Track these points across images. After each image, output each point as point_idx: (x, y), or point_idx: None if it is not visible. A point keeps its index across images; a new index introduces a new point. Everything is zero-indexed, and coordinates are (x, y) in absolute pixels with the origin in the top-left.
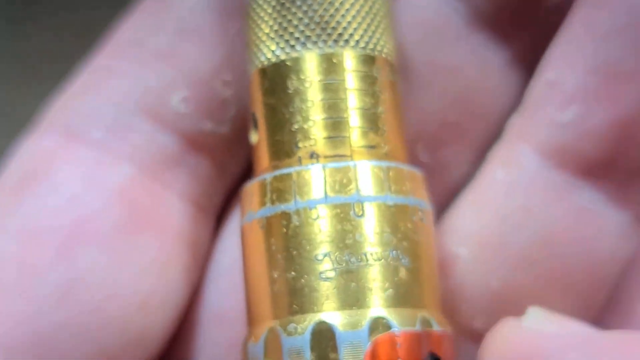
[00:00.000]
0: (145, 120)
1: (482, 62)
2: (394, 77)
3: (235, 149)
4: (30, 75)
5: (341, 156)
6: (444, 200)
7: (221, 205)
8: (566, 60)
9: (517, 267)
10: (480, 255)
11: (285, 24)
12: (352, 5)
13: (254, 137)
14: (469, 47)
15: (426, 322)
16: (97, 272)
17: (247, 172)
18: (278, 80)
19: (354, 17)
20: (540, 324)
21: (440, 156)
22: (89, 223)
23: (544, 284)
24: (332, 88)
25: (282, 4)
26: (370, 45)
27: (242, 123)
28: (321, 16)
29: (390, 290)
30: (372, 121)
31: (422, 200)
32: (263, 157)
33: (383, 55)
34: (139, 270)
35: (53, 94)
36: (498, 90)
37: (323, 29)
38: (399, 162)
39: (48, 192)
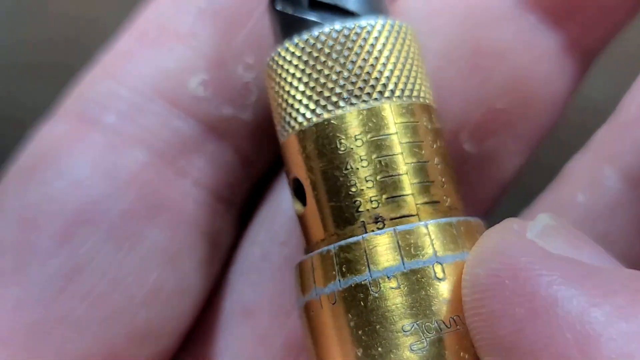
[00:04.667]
0: (162, 105)
1: (532, 47)
2: (440, 124)
3: (259, 138)
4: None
5: (407, 217)
6: (494, 194)
7: (247, 199)
8: None
9: None
10: None
11: (324, 81)
12: (391, 52)
13: (298, 207)
14: (517, 30)
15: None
16: (101, 261)
17: (275, 168)
18: (325, 141)
19: (394, 64)
20: (546, 240)
21: (487, 146)
22: (94, 209)
23: None
24: (385, 144)
25: (317, 59)
26: (415, 93)
27: (265, 110)
28: (361, 67)
29: None
30: (431, 174)
31: None
32: (316, 227)
33: (427, 102)
34: (146, 259)
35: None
36: (550, 77)
37: (365, 82)
38: (461, 212)
39: (53, 177)
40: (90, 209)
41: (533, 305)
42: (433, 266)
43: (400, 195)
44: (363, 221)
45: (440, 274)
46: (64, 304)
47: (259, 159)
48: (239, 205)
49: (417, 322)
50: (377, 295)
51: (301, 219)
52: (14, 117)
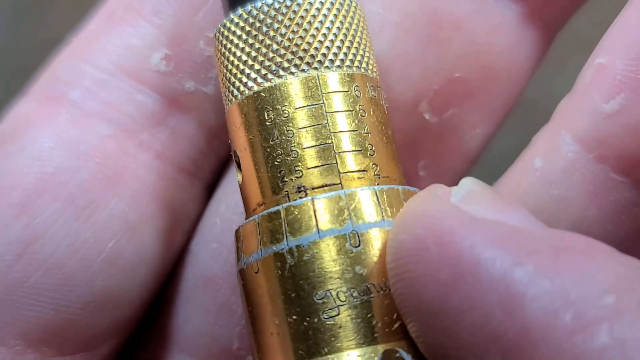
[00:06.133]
0: (125, 80)
1: (490, 17)
2: (377, 93)
3: (223, 111)
4: None
5: (330, 185)
6: (458, 165)
7: (213, 171)
8: (620, 44)
9: None
10: None
11: (265, 50)
12: (332, 23)
13: (239, 177)
14: (475, 0)
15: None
16: (58, 229)
17: None
18: (254, 114)
19: (335, 35)
20: (469, 204)
21: (448, 116)
22: (52, 180)
23: None
24: (311, 114)
25: (259, 28)
26: (347, 62)
27: None
28: (302, 37)
29: (400, 321)
30: (358, 143)
31: None
32: (249, 196)
33: (362, 72)
34: (104, 227)
35: None
36: (509, 48)
37: (294, 53)
38: (392, 181)
39: (16, 152)
40: (49, 180)
41: (457, 268)
42: (348, 234)
43: (323, 165)
44: (287, 191)
45: (355, 242)
46: (21, 271)
47: (224, 133)
48: (206, 178)
49: (330, 290)
50: (292, 263)
51: (240, 189)
52: None
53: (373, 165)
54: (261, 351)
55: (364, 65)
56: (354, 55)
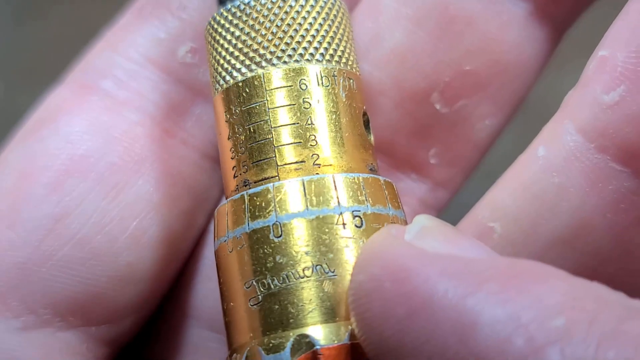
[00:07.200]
0: (153, 71)
1: (500, 13)
2: (331, 82)
3: None
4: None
5: (268, 179)
6: (468, 154)
7: None
8: (621, 36)
9: (548, 248)
10: (512, 232)
11: (224, 53)
12: (283, 20)
13: None
14: None
15: (355, 334)
16: (87, 207)
17: None
18: (220, 112)
19: (284, 31)
20: (423, 239)
21: (458, 107)
22: (84, 161)
23: (575, 268)
24: (255, 112)
25: (228, 28)
26: (296, 57)
27: None
28: (252, 38)
29: (315, 307)
30: (298, 135)
31: (353, 206)
32: (224, 189)
33: (314, 63)
34: (129, 206)
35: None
36: (518, 43)
37: (255, 51)
38: (337, 169)
39: (49, 135)
40: (79, 161)
41: (412, 303)
42: (272, 225)
43: (263, 159)
44: (237, 185)
45: (277, 233)
46: (50, 245)
47: None
48: None
49: (255, 279)
50: (229, 254)
51: None
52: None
53: (313, 156)
54: (225, 330)
55: (317, 56)
56: (305, 48)
